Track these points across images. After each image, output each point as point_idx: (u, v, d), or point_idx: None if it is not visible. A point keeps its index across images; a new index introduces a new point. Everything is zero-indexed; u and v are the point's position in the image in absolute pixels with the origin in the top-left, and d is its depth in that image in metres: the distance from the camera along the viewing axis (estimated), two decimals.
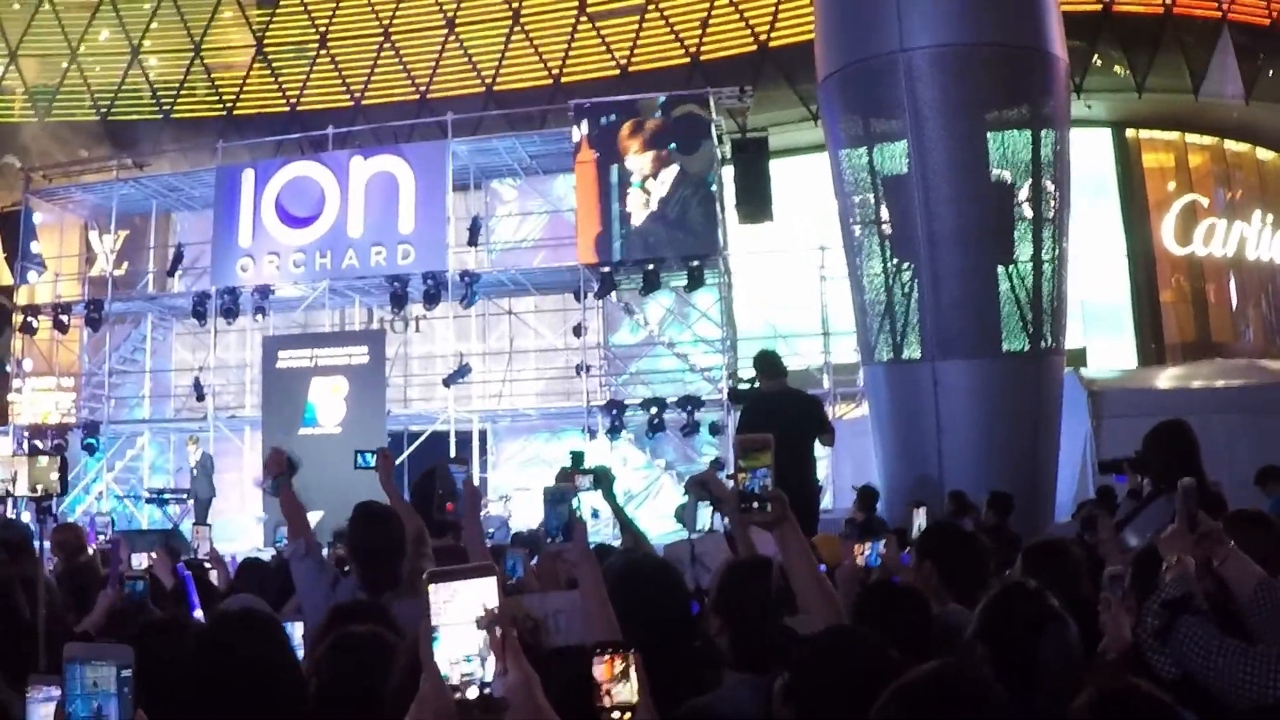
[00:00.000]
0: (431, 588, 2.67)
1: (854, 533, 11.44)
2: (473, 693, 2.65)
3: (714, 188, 26.80)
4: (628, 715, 4.32)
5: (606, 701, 4.38)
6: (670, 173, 26.78)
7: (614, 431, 26.38)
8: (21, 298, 32.46)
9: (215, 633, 4.66)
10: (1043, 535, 10.91)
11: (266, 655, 4.40)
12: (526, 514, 24.55)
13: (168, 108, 40.31)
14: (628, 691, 4.31)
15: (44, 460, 8.21)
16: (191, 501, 27.11)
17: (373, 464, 8.30)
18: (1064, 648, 4.74)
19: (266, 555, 17.31)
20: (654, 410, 26.22)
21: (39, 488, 8.15)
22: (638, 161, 27.01)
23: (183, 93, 40.31)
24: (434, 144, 28.86)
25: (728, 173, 27.52)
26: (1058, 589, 5.15)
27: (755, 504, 5.64)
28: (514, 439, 30.48)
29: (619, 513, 7.89)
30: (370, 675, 4.19)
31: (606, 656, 4.43)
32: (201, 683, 4.06)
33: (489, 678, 2.65)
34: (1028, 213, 17.93)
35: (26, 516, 23.62)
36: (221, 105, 39.79)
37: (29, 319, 31.39)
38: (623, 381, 28.86)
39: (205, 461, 26.85)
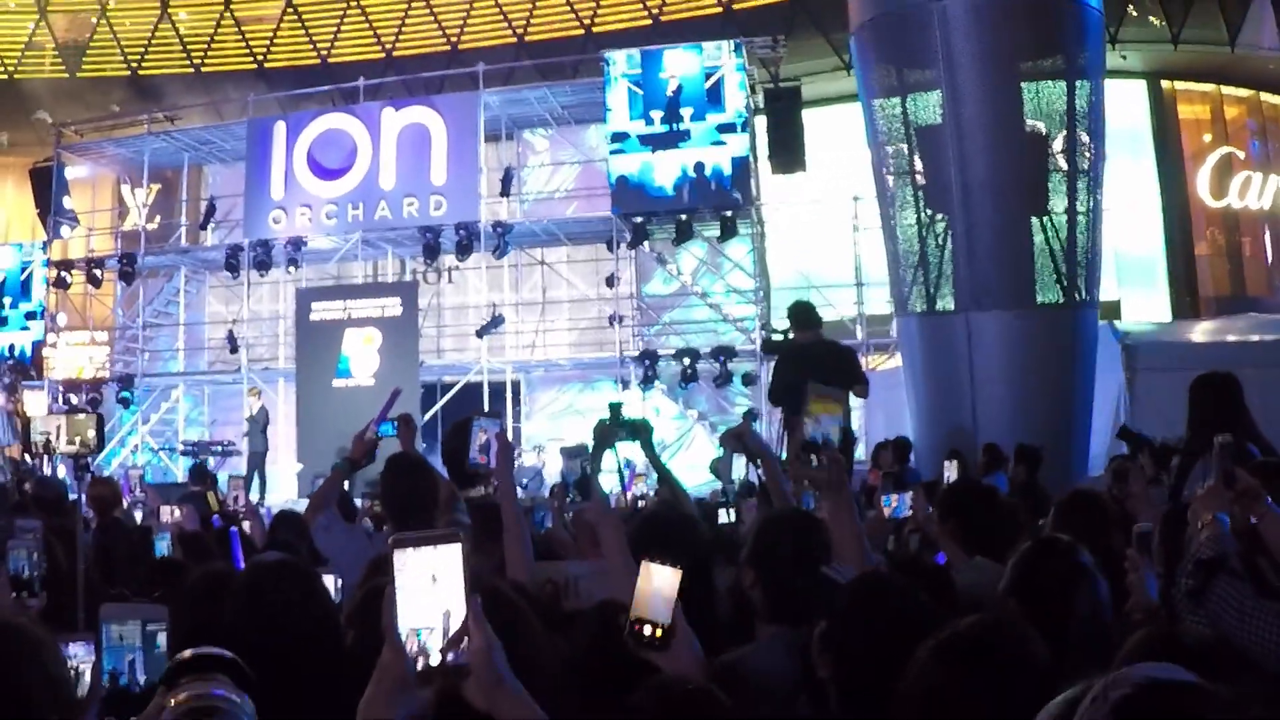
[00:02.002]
0: (396, 553, 2.66)
1: (887, 484, 11.44)
2: (434, 659, 2.64)
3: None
4: (659, 631, 4.32)
5: (640, 614, 4.37)
6: None
7: (647, 382, 26.37)
8: (55, 252, 32.53)
9: (250, 584, 4.65)
10: (1075, 488, 10.89)
11: (302, 605, 4.41)
12: (558, 464, 24.61)
13: (198, 62, 40.27)
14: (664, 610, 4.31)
15: (81, 416, 8.26)
16: (225, 454, 27.20)
17: (394, 433, 8.32)
18: (1094, 604, 4.72)
19: (299, 507, 17.37)
20: (687, 361, 26.19)
21: (77, 442, 8.19)
22: None
23: (213, 46, 40.24)
24: (465, 95, 28.79)
25: (760, 123, 27.40)
26: (1089, 543, 5.13)
27: (815, 456, 5.65)
28: (547, 389, 30.49)
29: (657, 464, 7.86)
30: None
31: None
32: (237, 634, 4.06)
33: (448, 637, 2.64)
34: (1062, 164, 17.83)
35: (63, 472, 23.83)
36: (252, 58, 39.74)
37: (62, 274, 31.45)
38: (655, 332, 28.81)
39: (260, 415, 26.90)
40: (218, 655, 3.02)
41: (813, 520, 5.98)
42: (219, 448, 27.87)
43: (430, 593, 2.66)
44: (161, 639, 3.13)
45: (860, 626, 4.37)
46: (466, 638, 2.66)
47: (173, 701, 2.81)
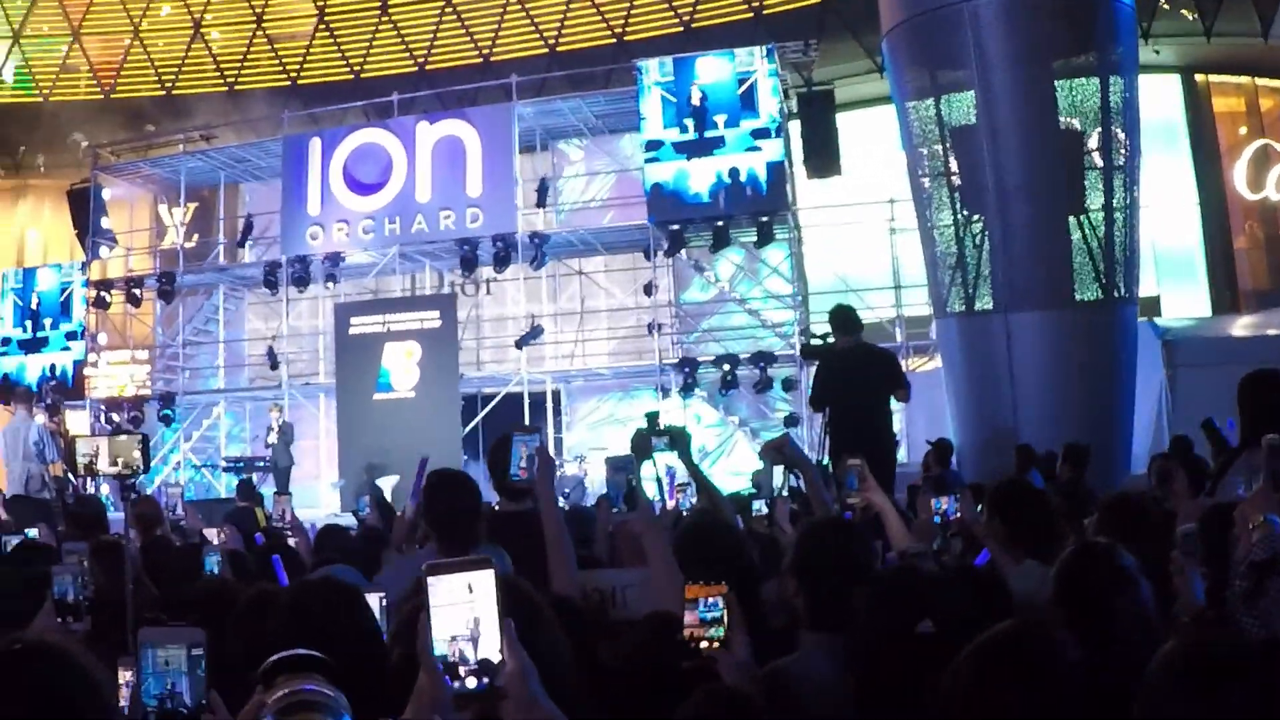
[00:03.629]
0: (430, 580, 2.70)
1: (929, 487, 11.42)
2: (470, 682, 2.68)
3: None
4: (716, 644, 4.37)
5: (696, 634, 4.43)
6: None
7: (687, 389, 26.37)
8: (94, 273, 32.73)
9: (295, 602, 4.68)
10: (1118, 490, 10.82)
11: (346, 623, 4.43)
12: (602, 474, 24.60)
13: (232, 79, 40.43)
14: (720, 623, 4.37)
15: (125, 437, 8.27)
16: (267, 469, 27.29)
17: None
18: (1138, 608, 4.72)
19: (342, 521, 17.41)
20: (726, 367, 26.18)
21: (120, 462, 8.21)
22: None
23: (246, 64, 40.40)
24: (499, 106, 28.83)
25: (794, 127, 27.39)
26: (1133, 547, 5.12)
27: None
28: (587, 399, 30.51)
29: (696, 473, 7.87)
30: None
31: (699, 586, 4.49)
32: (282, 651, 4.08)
33: (488, 651, 2.69)
34: (1098, 161, 17.81)
35: (105, 490, 23.90)
36: (285, 75, 39.88)
37: (102, 294, 31.64)
38: (694, 339, 28.80)
39: (286, 430, 26.99)
40: (311, 655, 3.07)
41: (853, 529, 6.00)
42: (261, 463, 27.96)
43: (463, 618, 2.70)
44: (204, 663, 3.15)
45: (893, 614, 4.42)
46: (501, 660, 2.70)
47: (272, 698, 2.85)
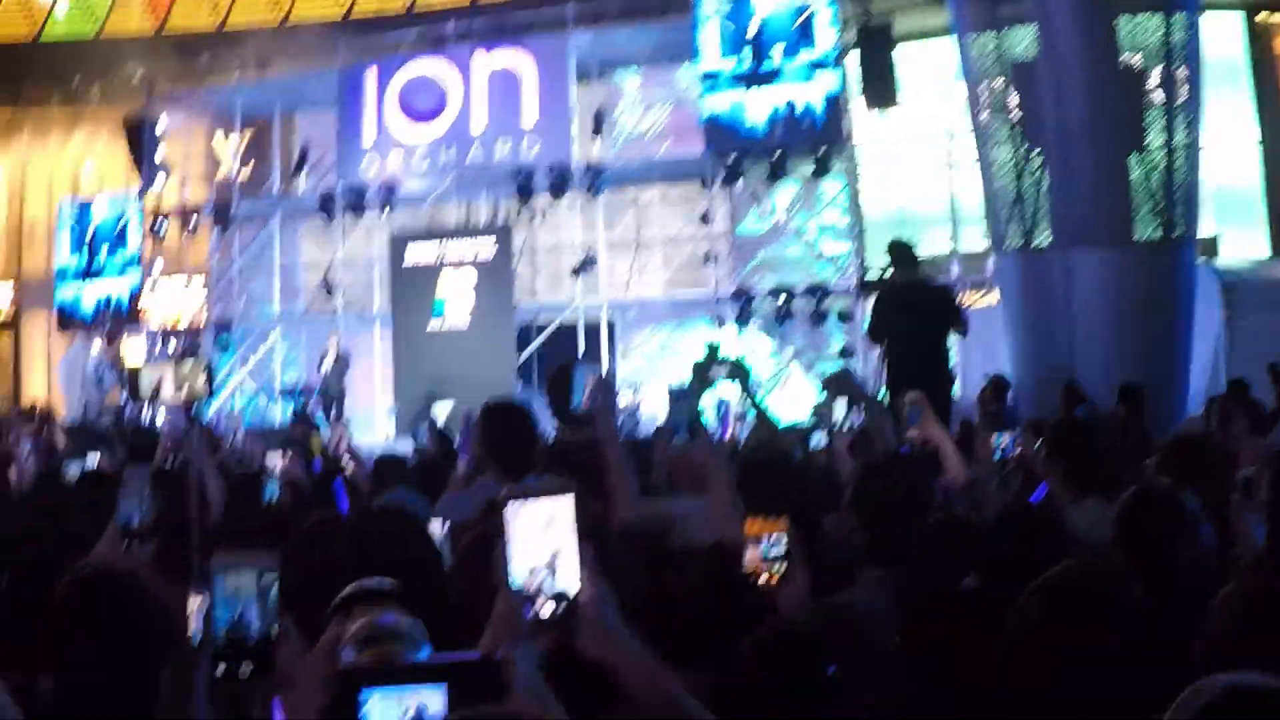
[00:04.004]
0: (509, 507, 2.70)
1: (989, 423, 11.38)
2: (547, 609, 2.65)
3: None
4: (777, 578, 4.36)
5: (757, 568, 4.43)
6: None
7: (742, 320, 26.29)
8: (149, 202, 32.84)
9: (356, 530, 4.69)
10: (1178, 431, 10.77)
11: (409, 552, 4.43)
12: (653, 404, 24.62)
13: (285, 11, 40.34)
14: (781, 558, 4.36)
15: (189, 364, 8.32)
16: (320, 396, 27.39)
17: None
18: (1198, 551, 4.70)
19: (397, 448, 17.47)
20: (782, 298, 26.10)
21: (185, 388, 8.27)
22: None
23: None
24: (556, 36, 28.68)
25: (852, 59, 27.16)
26: (1193, 488, 5.10)
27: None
28: (642, 328, 30.39)
29: (756, 405, 7.88)
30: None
31: (760, 520, 4.49)
32: (344, 580, 4.10)
33: (566, 583, 2.67)
34: (1158, 99, 17.64)
35: (161, 416, 24.04)
36: (339, 6, 39.75)
37: (157, 222, 31.75)
38: (750, 270, 28.65)
39: (343, 359, 27.02)
40: (385, 587, 3.08)
41: (913, 465, 5.99)
42: (315, 391, 28.06)
43: (542, 545, 2.70)
44: (275, 588, 3.15)
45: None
46: (579, 588, 2.69)
47: (351, 629, 2.86)
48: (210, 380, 8.01)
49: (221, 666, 3.10)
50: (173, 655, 3.36)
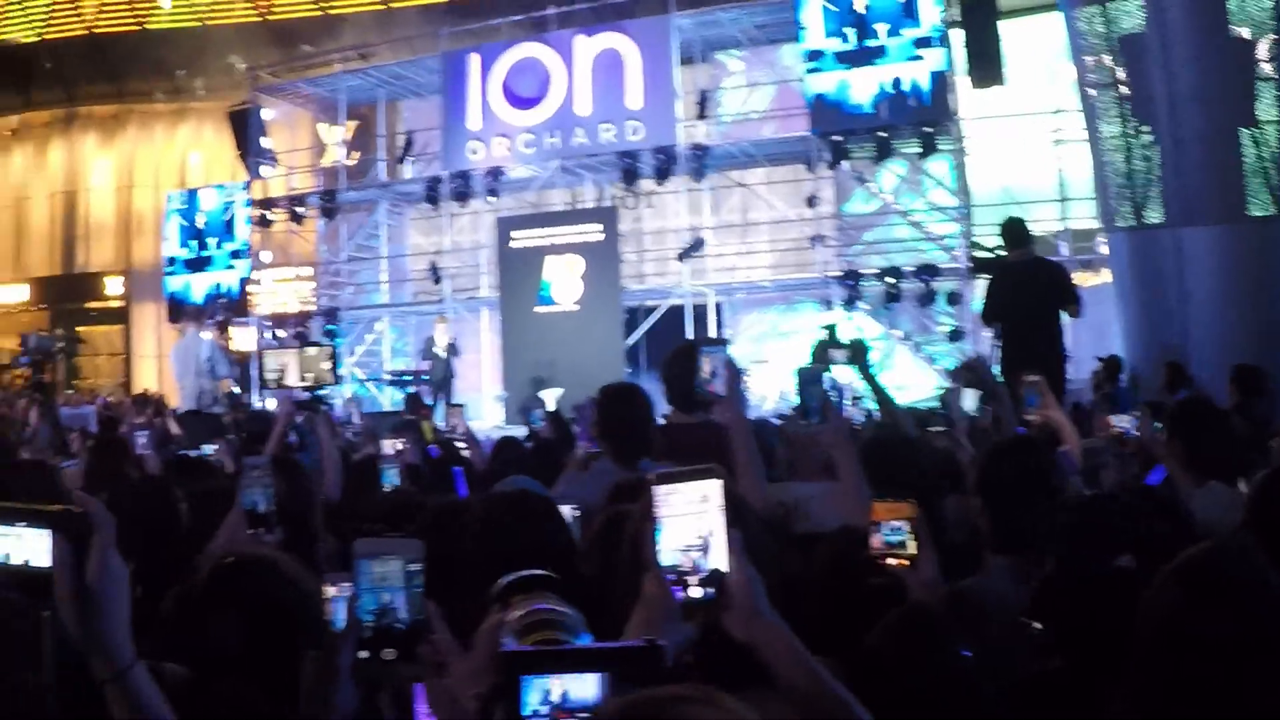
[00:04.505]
0: (658, 488, 2.68)
1: (1105, 405, 11.27)
2: (696, 592, 2.66)
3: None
4: (904, 562, 4.34)
5: (884, 551, 4.40)
6: None
7: (850, 302, 26.16)
8: (256, 192, 33.15)
9: (489, 514, 4.69)
10: None
11: (540, 536, 4.43)
12: (763, 387, 24.57)
13: None
14: (907, 542, 4.34)
15: (314, 350, 8.35)
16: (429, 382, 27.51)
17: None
18: None
19: (501, 434, 17.52)
20: (890, 280, 25.95)
21: (309, 378, 8.29)
22: None
23: None
24: (658, 18, 28.62)
25: (957, 37, 26.95)
26: None
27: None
28: (749, 311, 30.39)
29: (876, 387, 7.82)
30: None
31: (887, 504, 4.46)
32: (476, 565, 4.09)
33: (718, 561, 2.67)
34: (1268, 71, 17.38)
35: (271, 404, 24.20)
36: None
37: (264, 213, 32.06)
38: (857, 251, 28.53)
39: (454, 345, 27.13)
40: (542, 575, 3.08)
41: (1039, 449, 5.92)
42: (426, 377, 28.21)
43: (690, 527, 2.68)
44: (421, 576, 3.13)
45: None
46: (727, 570, 2.69)
47: (513, 616, 2.85)
48: (335, 366, 8.08)
49: (365, 652, 3.09)
50: (315, 641, 3.36)
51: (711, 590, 2.69)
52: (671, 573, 2.70)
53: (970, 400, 8.52)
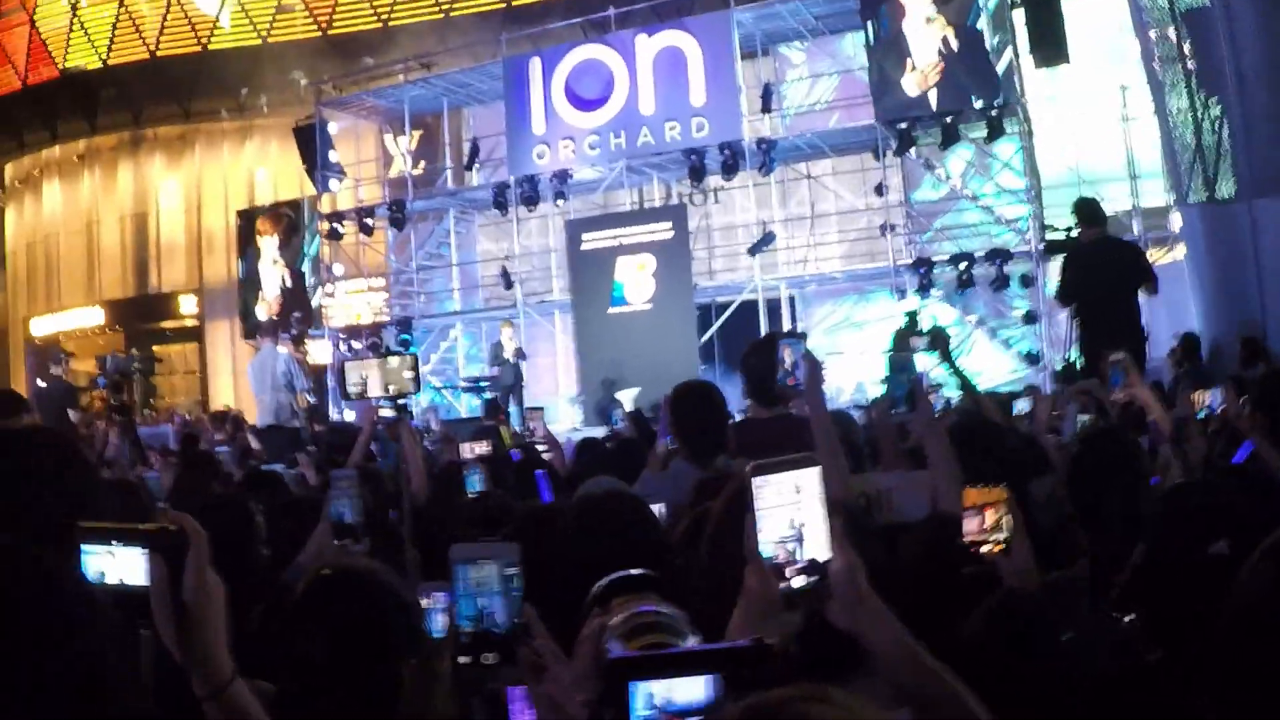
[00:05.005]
0: (755, 479, 2.66)
1: (1189, 383, 11.16)
2: (798, 582, 2.65)
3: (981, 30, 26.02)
4: (998, 549, 4.30)
5: (977, 538, 4.36)
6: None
7: (923, 289, 26.03)
8: (325, 205, 33.32)
9: (582, 515, 4.69)
10: None
11: (633, 535, 4.42)
12: (838, 377, 24.51)
13: (446, 6, 40.66)
14: (1001, 525, 4.31)
15: (396, 361, 8.39)
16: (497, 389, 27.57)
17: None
18: None
19: (578, 436, 17.53)
20: (962, 265, 25.81)
21: (391, 388, 8.33)
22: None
23: None
24: (718, 14, 28.55)
25: (1019, 17, 26.75)
26: None
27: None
28: (822, 303, 30.31)
29: (958, 373, 7.78)
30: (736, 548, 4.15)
31: (979, 490, 4.43)
32: (569, 566, 4.08)
33: (815, 551, 2.66)
34: None
35: (350, 416, 24.26)
36: None
37: (334, 225, 32.17)
38: (928, 239, 28.41)
39: (520, 350, 27.17)
40: (643, 575, 3.07)
41: (1130, 442, 5.89)
42: (492, 382, 28.30)
43: (789, 517, 2.66)
44: (519, 580, 3.13)
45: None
46: (829, 558, 2.67)
47: (615, 620, 2.84)
48: (417, 375, 8.10)
49: (465, 658, 3.09)
50: (414, 649, 3.37)
51: (814, 579, 2.67)
52: (771, 563, 2.68)
53: (1079, 419, 8.49)
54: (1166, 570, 4.28)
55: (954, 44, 25.64)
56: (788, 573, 2.67)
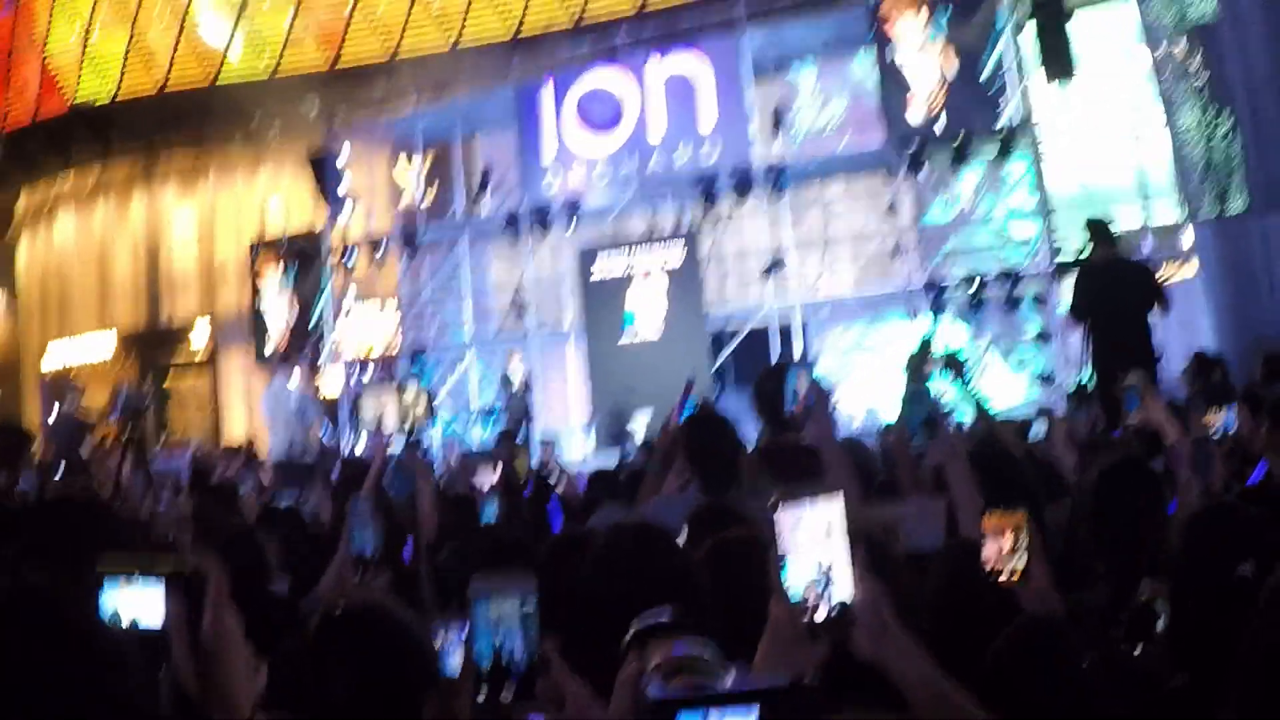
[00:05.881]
0: (780, 510, 2.66)
1: (1200, 402, 11.15)
2: (822, 613, 2.63)
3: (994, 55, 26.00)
4: (1017, 575, 4.30)
5: (996, 564, 4.36)
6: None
7: (936, 311, 25.99)
8: (336, 235, 33.36)
9: (609, 546, 4.67)
10: None
11: (660, 567, 4.40)
12: (851, 402, 24.48)
13: (454, 37, 40.73)
14: (1018, 553, 4.30)
15: (411, 393, 8.45)
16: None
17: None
18: None
19: (590, 464, 17.52)
20: (975, 287, 25.76)
21: (408, 420, 8.37)
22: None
23: (468, 18, 40.60)
24: (727, 36, 28.61)
25: (1028, 32, 26.72)
26: None
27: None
28: (834, 326, 30.21)
29: (973, 397, 7.76)
30: (754, 578, 4.13)
31: (997, 516, 4.42)
32: (594, 597, 4.07)
33: (838, 595, 2.64)
34: None
35: (360, 447, 24.28)
36: (508, 27, 40.00)
37: (346, 255, 32.25)
38: (940, 260, 28.36)
39: (525, 379, 27.16)
40: (674, 620, 3.06)
41: (1150, 472, 5.89)
42: (499, 411, 28.29)
43: (814, 547, 2.67)
44: (536, 613, 3.12)
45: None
46: (853, 589, 2.67)
47: (654, 660, 2.83)
48: (431, 406, 8.17)
49: (483, 693, 3.08)
50: (432, 684, 3.36)
51: (836, 610, 2.67)
52: (797, 596, 2.68)
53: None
54: (1192, 594, 4.26)
55: (956, 67, 25.62)
56: (814, 603, 2.67)
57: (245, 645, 2.92)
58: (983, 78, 25.58)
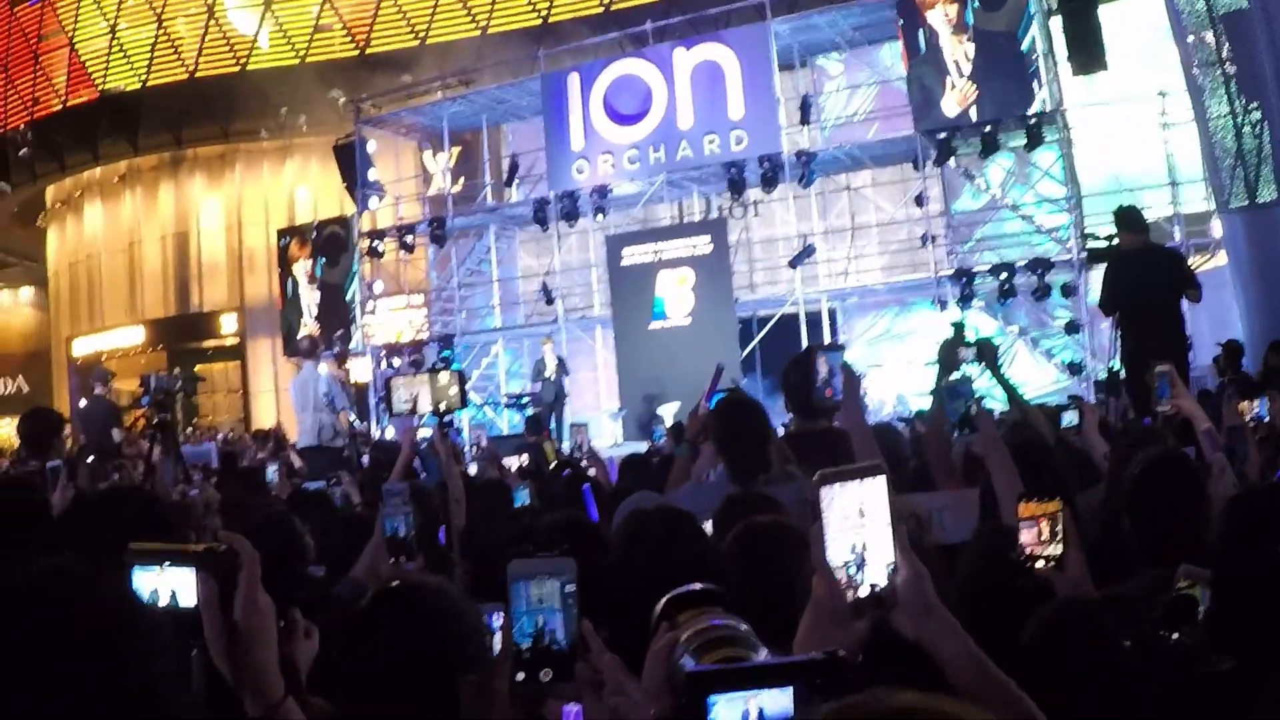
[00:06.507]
0: (823, 489, 2.64)
1: (1235, 391, 11.09)
2: (864, 591, 2.66)
3: (1025, 42, 25.95)
4: (1051, 563, 4.29)
5: (1031, 552, 4.35)
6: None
7: (964, 300, 25.94)
8: (365, 223, 33.43)
9: (632, 531, 4.67)
10: None
11: (686, 551, 4.39)
12: (879, 391, 24.45)
13: (483, 23, 40.72)
14: (1053, 541, 4.29)
15: (444, 377, 8.42)
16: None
17: None
18: None
19: (623, 451, 17.50)
20: (1003, 275, 25.70)
21: (441, 405, 8.35)
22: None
23: (496, 6, 40.61)
24: (755, 26, 28.54)
25: (1056, 24, 26.65)
26: None
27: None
28: (863, 315, 30.19)
29: (1005, 385, 7.73)
30: (783, 562, 4.12)
31: (1033, 504, 4.41)
32: (619, 580, 4.07)
33: (876, 575, 2.63)
34: None
35: (390, 433, 24.27)
36: (536, 14, 39.99)
37: (374, 243, 32.27)
38: (969, 249, 28.32)
39: (560, 365, 27.17)
40: (707, 589, 3.05)
41: (1191, 466, 5.87)
42: (534, 397, 28.30)
43: (856, 526, 2.65)
44: (575, 595, 3.11)
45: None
46: (895, 568, 2.66)
47: (685, 635, 2.81)
48: (463, 391, 8.13)
49: (522, 674, 3.07)
50: (473, 665, 3.36)
51: (880, 588, 2.66)
52: (839, 572, 2.67)
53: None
54: (1232, 578, 4.24)
55: (989, 55, 25.55)
56: (856, 581, 2.66)
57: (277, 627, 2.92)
58: (1012, 67, 25.47)
